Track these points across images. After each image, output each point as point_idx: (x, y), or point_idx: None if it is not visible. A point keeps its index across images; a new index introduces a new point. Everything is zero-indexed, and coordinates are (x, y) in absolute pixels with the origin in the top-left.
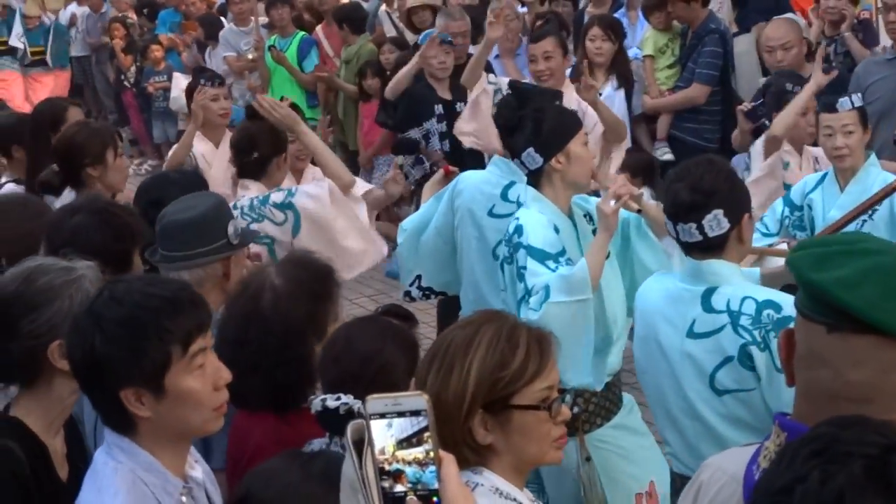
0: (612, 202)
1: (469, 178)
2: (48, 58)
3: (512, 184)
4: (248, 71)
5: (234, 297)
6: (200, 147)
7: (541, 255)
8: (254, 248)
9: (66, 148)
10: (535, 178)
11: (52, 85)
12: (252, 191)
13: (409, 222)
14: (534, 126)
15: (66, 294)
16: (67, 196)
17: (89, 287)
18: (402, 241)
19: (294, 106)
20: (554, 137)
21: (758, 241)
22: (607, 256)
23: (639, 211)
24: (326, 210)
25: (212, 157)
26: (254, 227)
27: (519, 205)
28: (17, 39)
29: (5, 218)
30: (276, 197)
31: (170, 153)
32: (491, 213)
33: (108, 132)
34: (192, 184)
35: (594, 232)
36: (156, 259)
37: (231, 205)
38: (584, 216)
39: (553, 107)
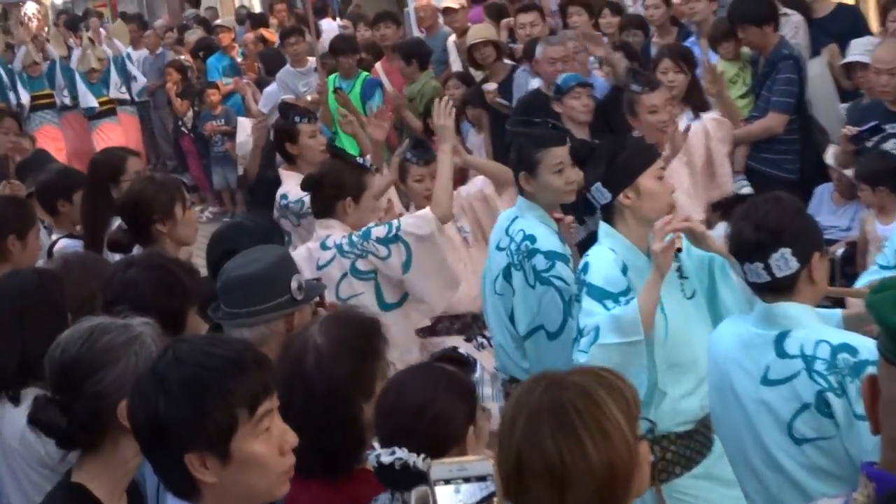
0: (662, 240)
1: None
2: (131, 93)
3: (515, 219)
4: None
5: (278, 358)
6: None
7: (599, 294)
8: (332, 297)
9: (134, 205)
10: (608, 214)
11: (120, 138)
12: (336, 230)
13: None
14: (602, 159)
15: (130, 352)
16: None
17: (151, 344)
18: None
19: (335, 147)
20: (622, 171)
21: (875, 274)
22: (692, 295)
23: (679, 250)
24: (432, 227)
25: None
26: (359, 264)
27: (517, 242)
28: (59, 94)
29: (67, 278)
30: (379, 232)
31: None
32: (498, 247)
33: (175, 185)
34: (265, 234)
35: (679, 270)
36: (218, 316)
37: (319, 243)
38: None
39: (624, 139)
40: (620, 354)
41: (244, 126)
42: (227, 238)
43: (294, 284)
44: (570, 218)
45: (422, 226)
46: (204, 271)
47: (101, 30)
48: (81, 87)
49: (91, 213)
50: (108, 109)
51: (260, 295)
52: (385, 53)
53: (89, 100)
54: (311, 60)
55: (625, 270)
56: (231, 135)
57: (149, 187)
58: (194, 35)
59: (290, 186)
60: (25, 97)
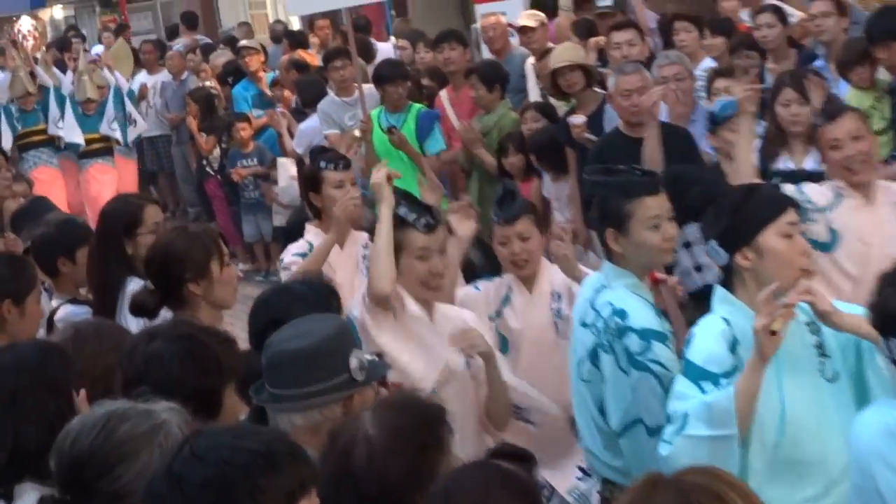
0: (764, 318)
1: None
2: (124, 136)
3: (602, 289)
4: (354, 151)
5: (323, 451)
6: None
7: (697, 374)
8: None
9: (163, 262)
10: (726, 276)
11: (113, 182)
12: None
13: None
14: (723, 210)
15: (152, 444)
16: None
17: (178, 434)
18: None
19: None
20: (739, 226)
21: None
22: (834, 378)
23: (773, 333)
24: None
25: (337, 260)
26: None
27: (604, 318)
28: (54, 126)
29: (79, 352)
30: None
31: (295, 265)
32: (583, 324)
33: (212, 237)
34: (320, 300)
35: (820, 348)
36: (261, 398)
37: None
38: (808, 324)
39: (742, 188)
40: (709, 450)
41: (285, 168)
42: (273, 304)
43: (354, 362)
44: (673, 279)
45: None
46: (243, 343)
47: (84, 51)
48: (69, 118)
49: (101, 274)
50: (103, 148)
51: (313, 374)
52: (450, 80)
53: (74, 135)
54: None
55: (735, 346)
56: (265, 177)
57: (180, 239)
58: (221, 57)
59: (315, 243)
60: (8, 139)
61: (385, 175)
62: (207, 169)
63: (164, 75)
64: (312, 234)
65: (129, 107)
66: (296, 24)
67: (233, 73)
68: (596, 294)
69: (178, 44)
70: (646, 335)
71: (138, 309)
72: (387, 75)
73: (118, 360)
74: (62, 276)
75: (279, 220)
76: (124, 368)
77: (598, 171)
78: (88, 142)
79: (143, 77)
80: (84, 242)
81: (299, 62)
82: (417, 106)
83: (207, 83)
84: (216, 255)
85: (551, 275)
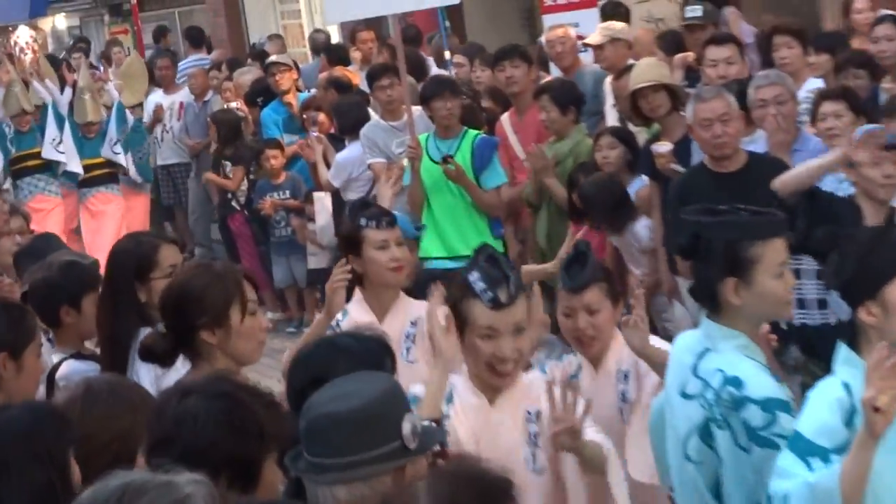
0: (872, 390)
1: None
2: (130, 166)
3: (705, 353)
4: (398, 185)
5: None
6: (363, 318)
7: (805, 449)
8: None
9: (176, 302)
10: (851, 333)
11: (118, 214)
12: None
13: None
14: (848, 260)
15: None
16: (181, 369)
17: None
18: None
19: None
20: (863, 278)
21: None
22: None
23: (876, 409)
24: None
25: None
26: None
27: (714, 388)
28: (51, 148)
29: (86, 414)
30: None
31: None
32: (683, 394)
33: (234, 279)
34: (369, 355)
35: None
36: (299, 468)
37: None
38: None
39: (869, 231)
40: None
41: (322, 203)
42: (314, 360)
43: (406, 427)
44: (766, 328)
45: None
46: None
47: (90, 66)
48: (68, 141)
49: (110, 325)
50: (106, 175)
51: (359, 441)
52: (513, 102)
53: (72, 162)
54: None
55: (852, 417)
56: (299, 212)
57: (198, 278)
58: (249, 74)
59: (357, 314)
60: None
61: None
62: (233, 203)
63: (183, 95)
64: (356, 302)
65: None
66: (333, 36)
67: (262, 93)
68: (698, 359)
69: (187, 64)
70: (769, 406)
71: (146, 353)
72: (434, 92)
73: (147, 420)
74: (65, 326)
75: (315, 261)
76: (151, 428)
77: (701, 211)
78: (89, 168)
79: (158, 97)
80: (90, 288)
81: (340, 81)
82: (474, 132)
83: (233, 104)
84: (237, 301)
85: (619, 350)
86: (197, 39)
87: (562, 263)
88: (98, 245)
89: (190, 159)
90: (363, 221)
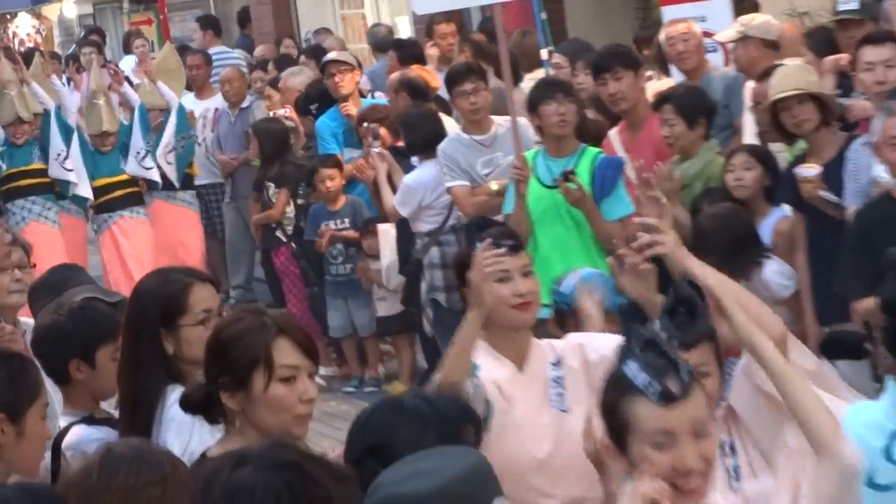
0: None
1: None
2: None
3: None
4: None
5: None
6: (502, 373)
7: None
8: None
9: (214, 356)
10: None
11: (148, 241)
12: None
13: None
14: None
15: None
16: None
17: None
18: None
19: None
20: None
21: None
22: None
23: None
24: None
25: (514, 388)
26: None
27: None
28: (58, 165)
29: (106, 485)
30: None
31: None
32: (872, 484)
33: (263, 337)
34: (447, 424)
35: None
36: None
37: None
38: None
39: None
40: None
41: (390, 238)
42: (374, 423)
43: None
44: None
45: None
46: None
47: (106, 63)
48: (76, 158)
49: (130, 382)
50: (130, 195)
51: None
52: (623, 116)
53: (82, 185)
54: (498, 123)
55: None
56: (360, 246)
57: (231, 327)
58: (301, 76)
59: (488, 368)
60: None
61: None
62: (278, 234)
63: (218, 100)
64: (483, 352)
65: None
66: (404, 29)
67: (317, 99)
68: (891, 440)
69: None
70: None
71: (187, 403)
72: (543, 94)
73: (181, 492)
74: (75, 384)
75: (385, 307)
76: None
77: None
78: (107, 188)
79: (189, 102)
80: (108, 337)
81: (414, 83)
82: (594, 150)
83: (280, 112)
84: (261, 364)
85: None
86: (215, 26)
87: (663, 308)
88: (127, 282)
89: (223, 179)
90: (477, 244)
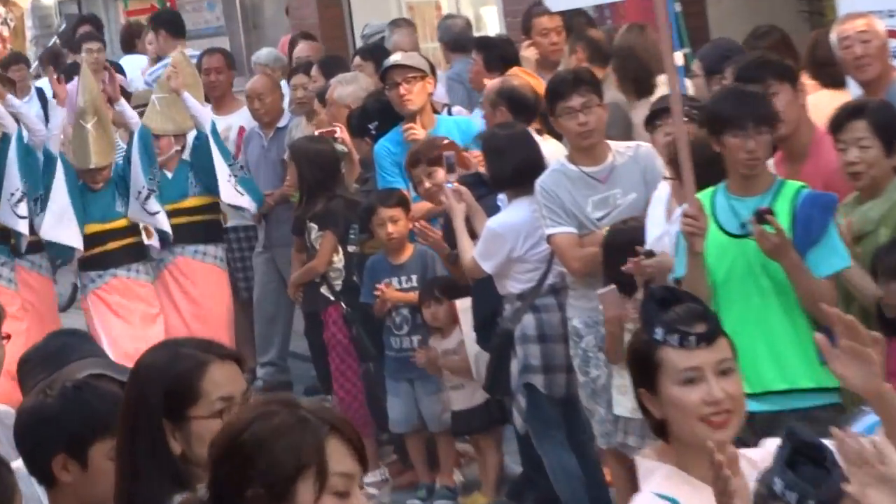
0: None
1: None
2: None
3: None
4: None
5: None
6: None
7: None
8: None
9: (221, 455)
10: None
11: (148, 317)
12: None
13: None
14: None
15: None
16: None
17: None
18: None
19: None
20: None
21: None
22: None
23: None
24: None
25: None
26: None
27: None
28: (8, 208)
29: None
30: None
31: None
32: None
33: (315, 437)
34: None
35: None
36: None
37: None
38: None
39: None
40: None
41: (468, 315)
42: None
43: None
44: None
45: None
46: None
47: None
48: (60, 198)
49: (127, 488)
50: (131, 249)
51: None
52: (779, 144)
53: (63, 231)
54: (616, 150)
55: None
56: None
57: (260, 423)
58: (352, 86)
59: None
60: None
61: None
62: (324, 290)
63: (242, 116)
64: (667, 479)
65: (218, 160)
66: (491, 23)
67: (377, 116)
68: None
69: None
70: None
71: None
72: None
73: None
74: (61, 486)
75: (462, 399)
76: None
77: None
78: (99, 238)
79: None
80: (107, 430)
81: (519, 94)
82: (795, 184)
83: (333, 129)
84: (311, 470)
85: None
86: (174, 23)
87: (781, 460)
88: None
89: (254, 221)
90: (660, 333)
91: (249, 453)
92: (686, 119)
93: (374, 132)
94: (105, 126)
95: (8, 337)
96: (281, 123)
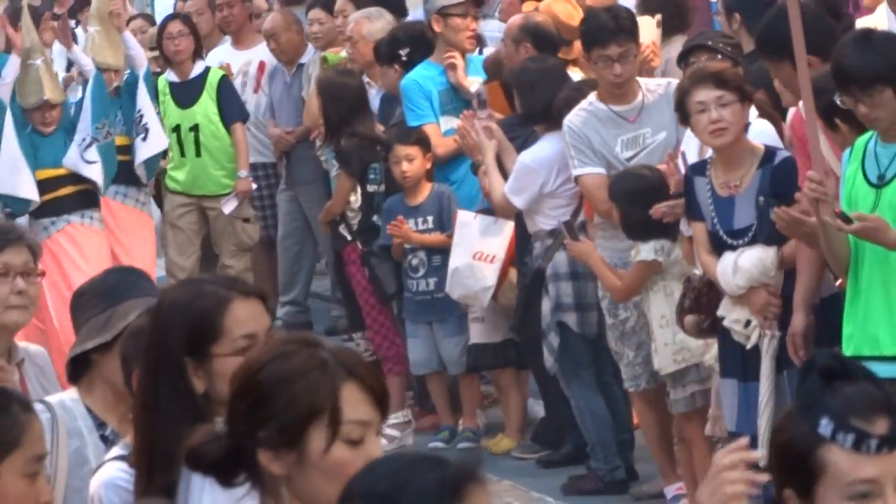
0: None
1: None
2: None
3: None
4: None
5: None
6: None
7: None
8: None
9: (237, 394)
10: None
11: (102, 258)
12: None
13: None
14: None
15: None
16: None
17: None
18: None
19: None
20: None
21: None
22: None
23: None
24: None
25: None
26: None
27: None
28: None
29: None
30: None
31: None
32: None
33: (330, 381)
34: None
35: None
36: None
37: None
38: None
39: None
40: None
41: (466, 230)
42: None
43: None
44: None
45: None
46: None
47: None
48: (9, 147)
49: (149, 427)
50: (81, 194)
51: None
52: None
53: (22, 182)
54: (647, 88)
55: None
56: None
57: (278, 363)
58: (380, 21)
59: None
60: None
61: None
62: (343, 230)
63: (261, 50)
64: None
65: (143, 102)
66: None
67: (410, 43)
68: None
69: None
70: None
71: (194, 459)
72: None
73: None
74: None
75: (480, 332)
76: None
77: None
78: (49, 184)
79: (224, 52)
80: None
81: (540, 30)
82: None
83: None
84: (324, 415)
85: None
86: None
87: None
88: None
89: (276, 159)
90: (827, 427)
91: (265, 393)
92: (719, 56)
93: (403, 60)
94: (50, 67)
95: (43, 273)
96: (304, 59)
